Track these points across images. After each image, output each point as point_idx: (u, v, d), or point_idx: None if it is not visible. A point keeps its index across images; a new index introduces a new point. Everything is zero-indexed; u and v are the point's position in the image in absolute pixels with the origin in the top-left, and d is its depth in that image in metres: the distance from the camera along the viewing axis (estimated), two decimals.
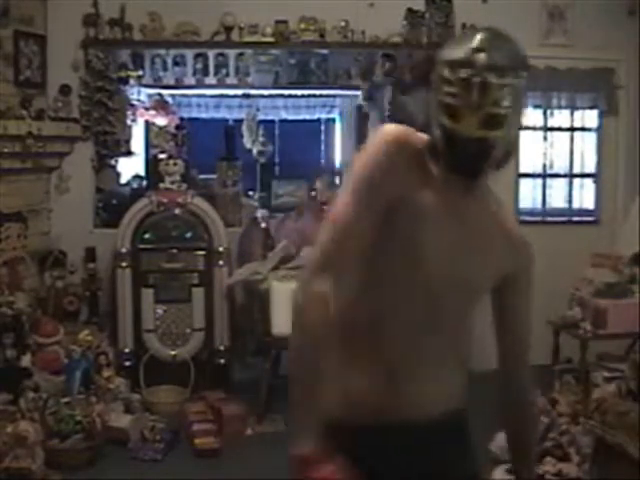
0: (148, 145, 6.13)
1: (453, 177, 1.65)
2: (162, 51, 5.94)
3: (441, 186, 1.66)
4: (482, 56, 1.54)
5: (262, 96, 7.31)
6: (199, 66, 6.02)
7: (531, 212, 6.09)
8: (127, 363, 4.99)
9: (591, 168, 6.16)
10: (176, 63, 6.04)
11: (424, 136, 1.70)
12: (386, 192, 1.61)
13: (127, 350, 5.02)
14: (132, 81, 5.84)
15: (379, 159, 1.63)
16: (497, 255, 1.72)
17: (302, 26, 5.63)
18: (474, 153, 1.60)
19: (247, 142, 6.94)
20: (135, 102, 6.04)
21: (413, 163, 1.65)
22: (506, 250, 1.73)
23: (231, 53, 5.99)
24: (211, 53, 5.97)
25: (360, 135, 8.04)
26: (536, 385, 4.47)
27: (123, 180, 6.03)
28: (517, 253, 1.76)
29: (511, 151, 1.73)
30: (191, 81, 6.16)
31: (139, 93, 6.17)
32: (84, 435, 4.13)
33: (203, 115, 7.56)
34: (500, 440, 3.85)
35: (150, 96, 6.37)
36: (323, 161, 8.56)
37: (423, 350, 1.66)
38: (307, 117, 8.29)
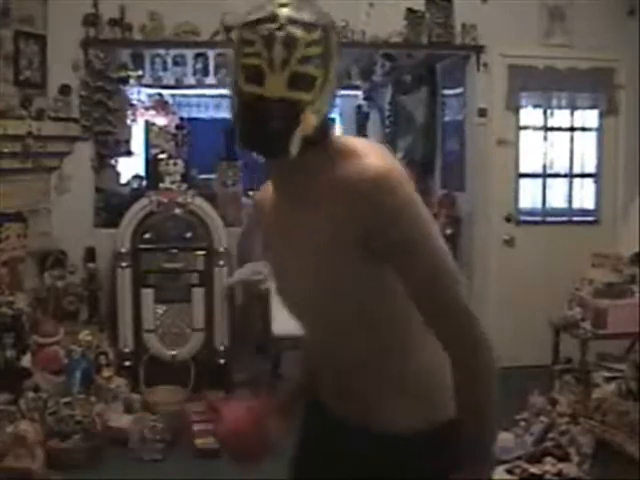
0: (148, 145, 6.12)
1: (279, 177, 1.55)
2: (162, 51, 5.94)
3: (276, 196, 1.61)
4: (285, 10, 1.43)
5: None
6: (199, 66, 6.03)
7: (531, 212, 6.09)
8: (127, 363, 4.99)
9: (591, 168, 6.16)
10: (176, 63, 6.04)
11: None
12: None
13: (127, 350, 5.02)
14: (132, 81, 5.84)
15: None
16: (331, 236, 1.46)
17: None
18: (278, 118, 1.40)
19: None
20: (135, 102, 6.05)
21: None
22: (344, 217, 1.43)
23: (231, 53, 6.00)
24: (211, 53, 5.97)
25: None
26: (536, 385, 4.46)
27: (123, 180, 6.03)
28: (359, 210, 1.41)
29: (326, 126, 1.49)
30: (191, 81, 6.17)
31: (139, 93, 6.19)
32: (84, 435, 4.14)
33: (203, 115, 7.57)
34: (500, 440, 3.85)
35: (150, 96, 6.38)
36: None
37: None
38: None
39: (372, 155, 1.46)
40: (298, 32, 1.41)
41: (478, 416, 1.46)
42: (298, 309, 1.65)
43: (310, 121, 1.42)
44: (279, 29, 1.41)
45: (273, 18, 1.42)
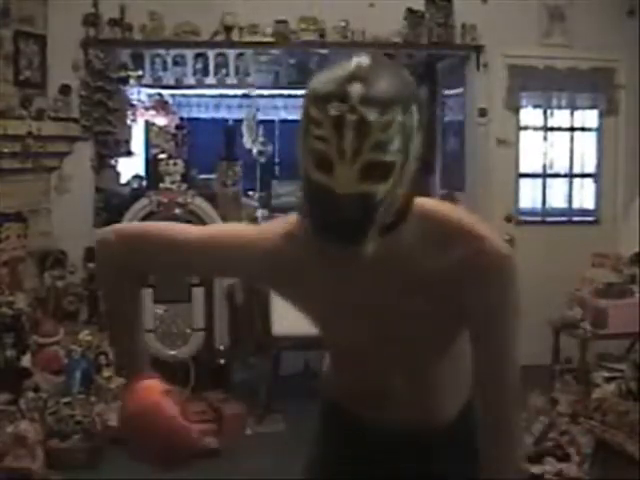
0: (148, 145, 6.12)
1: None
2: (162, 51, 5.94)
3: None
4: (357, 87, 1.20)
5: (262, 96, 7.31)
6: (199, 66, 6.03)
7: (531, 212, 6.09)
8: None
9: (591, 168, 6.16)
10: (176, 63, 6.04)
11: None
12: None
13: None
14: (132, 81, 5.84)
15: None
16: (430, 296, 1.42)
17: (302, 26, 5.63)
18: (352, 214, 1.23)
19: (247, 142, 6.94)
20: (135, 102, 6.04)
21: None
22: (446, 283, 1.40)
23: (231, 53, 6.00)
24: (211, 53, 5.98)
25: None
26: (536, 385, 4.46)
27: (123, 180, 6.03)
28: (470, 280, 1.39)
29: (407, 207, 1.32)
30: (191, 81, 6.17)
31: (139, 93, 6.17)
32: (84, 435, 4.13)
33: (203, 115, 7.57)
34: None
35: (150, 96, 6.37)
36: None
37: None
38: None
39: (478, 229, 1.41)
40: (372, 115, 1.19)
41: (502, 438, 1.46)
42: (356, 347, 1.55)
43: (389, 213, 1.26)
44: (350, 111, 1.19)
45: (343, 96, 1.20)
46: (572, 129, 6.10)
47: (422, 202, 1.39)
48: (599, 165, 6.11)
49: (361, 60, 1.28)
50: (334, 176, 1.21)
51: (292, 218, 1.48)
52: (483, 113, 5.79)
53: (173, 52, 5.95)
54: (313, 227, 1.28)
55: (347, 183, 1.20)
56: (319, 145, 1.22)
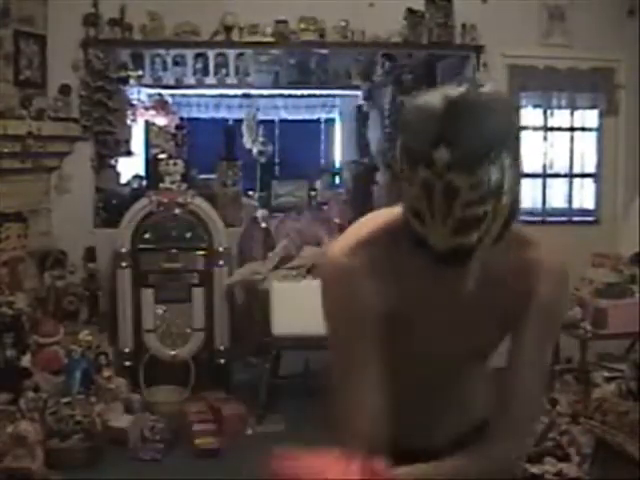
0: (148, 145, 6.12)
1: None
2: (162, 51, 5.94)
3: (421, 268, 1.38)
4: (443, 153, 1.17)
5: (262, 96, 7.32)
6: (199, 66, 6.03)
7: (531, 212, 6.09)
8: (127, 363, 4.98)
9: (591, 168, 6.16)
10: (176, 63, 6.05)
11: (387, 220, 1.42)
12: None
13: (127, 350, 5.02)
14: (132, 81, 5.84)
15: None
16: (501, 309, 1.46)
17: (302, 26, 5.63)
18: (451, 259, 1.28)
19: (247, 142, 6.95)
20: (135, 102, 6.05)
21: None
22: (515, 294, 1.45)
23: (231, 53, 6.00)
24: (211, 53, 5.98)
25: (360, 135, 8.05)
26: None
27: (123, 180, 6.03)
28: (532, 287, 1.45)
29: (509, 220, 1.34)
30: (191, 81, 6.17)
31: (139, 93, 6.18)
32: (84, 435, 4.13)
33: (203, 115, 7.57)
34: None
35: (150, 96, 6.38)
36: (323, 161, 8.57)
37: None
38: (307, 117, 8.31)
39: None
40: (460, 179, 1.18)
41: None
42: (430, 367, 1.53)
43: (488, 242, 1.28)
44: (438, 177, 1.18)
45: (429, 162, 1.18)
46: (572, 129, 6.10)
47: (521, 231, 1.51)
48: (599, 165, 6.11)
49: (447, 108, 1.21)
50: (429, 230, 1.24)
51: (368, 224, 1.46)
52: None
53: (173, 52, 5.95)
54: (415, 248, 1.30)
55: (440, 239, 1.23)
56: (412, 203, 1.25)
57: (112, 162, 5.77)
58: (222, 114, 7.52)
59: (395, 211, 1.38)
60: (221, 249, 5.14)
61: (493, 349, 1.58)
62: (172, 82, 6.21)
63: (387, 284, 1.40)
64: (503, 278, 1.43)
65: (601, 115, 6.03)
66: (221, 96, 7.24)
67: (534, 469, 3.70)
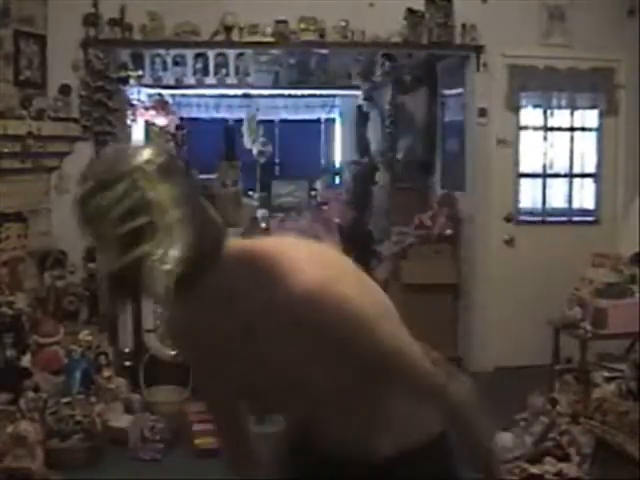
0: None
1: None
2: (162, 51, 5.94)
3: None
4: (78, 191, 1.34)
5: (262, 96, 7.32)
6: (199, 66, 6.03)
7: (531, 212, 6.09)
8: (127, 363, 4.98)
9: (591, 168, 6.16)
10: (176, 63, 6.05)
11: None
12: None
13: (127, 350, 5.01)
14: (132, 81, 5.84)
15: None
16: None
17: (302, 26, 5.63)
18: (127, 287, 1.38)
19: (247, 142, 6.95)
20: (135, 102, 6.05)
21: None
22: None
23: (231, 53, 6.00)
24: (211, 53, 5.98)
25: (360, 135, 8.06)
26: (536, 385, 4.46)
27: None
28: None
29: (213, 253, 1.41)
30: (191, 81, 6.17)
31: (139, 93, 6.18)
32: (84, 435, 4.13)
33: (203, 115, 7.58)
34: (500, 440, 3.85)
35: (150, 96, 6.38)
36: (323, 161, 8.58)
37: None
38: (307, 117, 8.32)
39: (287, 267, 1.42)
40: (97, 200, 1.30)
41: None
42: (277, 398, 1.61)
43: (165, 274, 1.32)
44: (84, 203, 1.31)
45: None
46: (572, 129, 6.10)
47: (243, 243, 1.48)
48: (599, 165, 6.10)
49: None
50: (99, 258, 1.42)
51: None
52: (483, 113, 5.78)
53: (173, 52, 5.95)
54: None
55: (111, 262, 1.32)
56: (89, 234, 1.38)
57: None
58: (222, 114, 7.53)
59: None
60: None
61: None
62: (172, 82, 6.21)
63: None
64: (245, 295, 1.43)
65: (601, 115, 6.02)
66: (221, 96, 7.24)
67: (534, 469, 3.70)
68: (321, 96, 7.90)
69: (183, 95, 7.06)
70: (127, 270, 1.31)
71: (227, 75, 6.11)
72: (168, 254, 1.31)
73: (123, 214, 1.29)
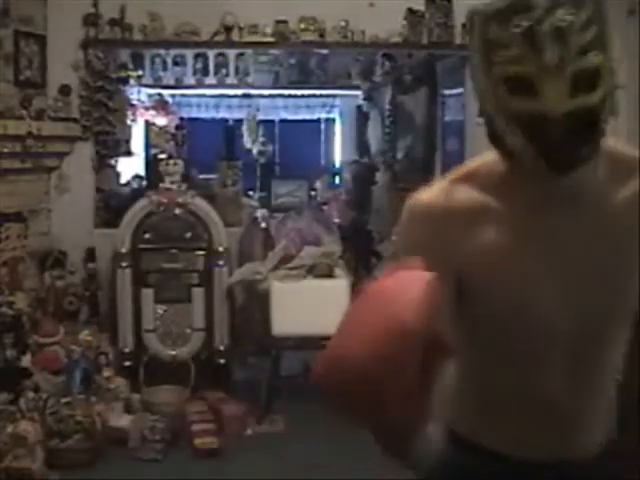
0: (148, 145, 6.13)
1: (539, 185, 1.20)
2: (162, 51, 5.95)
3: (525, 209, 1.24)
4: None
5: (262, 96, 7.32)
6: (199, 66, 6.04)
7: None
8: (127, 363, 4.98)
9: None
10: (176, 63, 6.05)
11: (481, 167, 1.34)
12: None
13: (127, 350, 5.01)
14: (132, 81, 5.85)
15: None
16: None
17: (302, 26, 5.63)
18: (573, 134, 1.10)
19: (247, 142, 6.95)
20: (135, 102, 6.05)
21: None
22: None
23: (231, 53, 6.00)
24: (211, 53, 5.98)
25: (360, 135, 8.06)
26: None
27: (123, 180, 6.04)
28: None
29: (614, 105, 1.23)
30: (191, 81, 6.18)
31: (139, 93, 6.19)
32: (84, 435, 4.13)
33: (203, 115, 7.58)
34: None
35: (150, 96, 6.38)
36: (323, 161, 8.58)
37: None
38: (307, 117, 8.32)
39: None
40: (567, 16, 1.06)
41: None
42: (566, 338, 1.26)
43: (606, 119, 1.16)
44: (542, 19, 1.04)
45: (528, 5, 1.05)
46: None
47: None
48: None
49: None
50: (543, 96, 1.07)
51: (446, 183, 1.35)
52: None
53: (173, 52, 5.96)
54: (534, 166, 1.14)
55: (560, 100, 1.08)
56: (512, 68, 1.08)
57: (112, 162, 5.77)
58: (222, 114, 7.53)
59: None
60: (221, 249, 5.14)
61: (626, 307, 1.26)
62: (172, 82, 6.21)
63: (472, 232, 1.24)
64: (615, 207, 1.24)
65: None
66: (221, 96, 7.25)
67: None
68: (321, 96, 7.90)
69: (183, 95, 7.06)
70: (577, 118, 1.11)
71: (227, 75, 6.11)
72: (609, 106, 1.16)
73: (591, 41, 1.09)
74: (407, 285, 1.36)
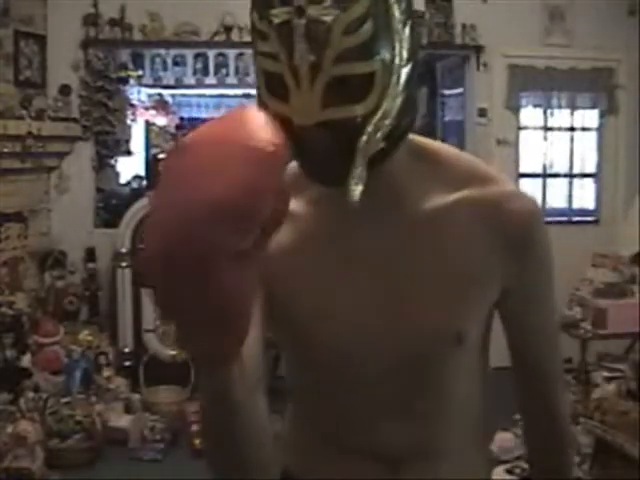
0: (148, 145, 6.12)
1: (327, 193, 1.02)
2: (162, 51, 5.93)
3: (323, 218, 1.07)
4: None
5: None
6: (199, 66, 6.02)
7: None
8: (127, 363, 4.98)
9: (591, 168, 6.16)
10: (176, 63, 6.04)
11: None
12: None
13: (127, 350, 5.02)
14: (132, 81, 5.84)
15: None
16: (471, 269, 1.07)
17: None
18: (323, 147, 0.91)
19: None
20: (135, 102, 6.04)
21: None
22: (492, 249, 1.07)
23: (231, 53, 5.99)
24: (211, 53, 5.97)
25: None
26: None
27: (123, 180, 6.03)
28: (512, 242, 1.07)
29: (403, 128, 0.97)
30: (191, 81, 6.16)
31: (139, 93, 6.17)
32: (84, 435, 4.14)
33: (203, 115, 7.56)
34: (500, 440, 3.86)
35: (150, 96, 6.37)
36: None
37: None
38: None
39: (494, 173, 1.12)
40: (329, 13, 0.85)
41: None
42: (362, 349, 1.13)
43: (374, 143, 0.92)
44: (298, 14, 0.85)
45: None
46: (572, 129, 6.10)
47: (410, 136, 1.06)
48: (599, 165, 6.11)
49: None
50: (293, 103, 0.88)
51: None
52: (483, 113, 5.79)
53: (173, 52, 5.94)
54: (302, 169, 0.97)
55: (306, 111, 0.88)
56: (267, 63, 0.90)
57: (112, 162, 5.78)
58: (222, 114, 7.53)
59: None
60: None
61: (467, 328, 1.10)
62: (172, 82, 6.20)
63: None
64: (455, 223, 1.06)
65: (601, 115, 6.03)
66: (221, 96, 7.23)
67: None
68: None
69: (183, 95, 7.05)
70: (332, 128, 0.89)
71: (227, 75, 6.10)
72: (386, 115, 0.91)
73: (357, 45, 0.87)
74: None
